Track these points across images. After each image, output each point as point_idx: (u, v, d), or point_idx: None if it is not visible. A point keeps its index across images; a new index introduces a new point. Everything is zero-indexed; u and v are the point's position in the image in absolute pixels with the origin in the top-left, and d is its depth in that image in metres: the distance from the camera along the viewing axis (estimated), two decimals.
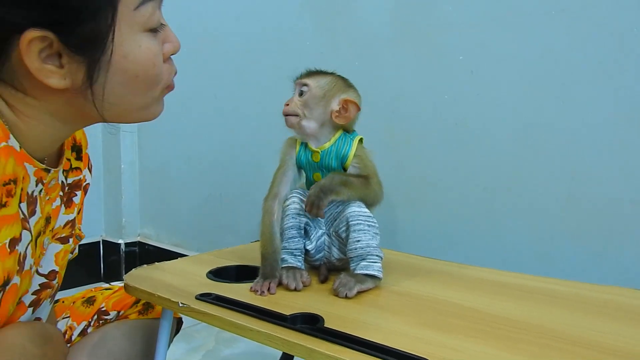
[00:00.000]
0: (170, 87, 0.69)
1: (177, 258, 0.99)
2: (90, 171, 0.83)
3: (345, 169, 0.84)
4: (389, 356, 0.57)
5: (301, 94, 0.85)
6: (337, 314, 0.70)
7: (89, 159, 0.82)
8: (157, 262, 0.94)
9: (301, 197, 0.85)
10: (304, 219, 0.85)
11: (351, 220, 0.80)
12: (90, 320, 0.87)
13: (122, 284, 0.84)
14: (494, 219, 1.08)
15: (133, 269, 0.87)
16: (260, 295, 0.76)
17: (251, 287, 0.79)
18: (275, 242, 0.83)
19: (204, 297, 0.74)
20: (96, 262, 1.90)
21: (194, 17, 1.64)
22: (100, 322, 0.88)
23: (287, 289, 0.79)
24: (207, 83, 1.62)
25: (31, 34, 0.57)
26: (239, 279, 0.86)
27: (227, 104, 1.58)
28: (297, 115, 0.84)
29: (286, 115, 0.85)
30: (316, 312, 0.69)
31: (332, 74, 0.87)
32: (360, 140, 0.86)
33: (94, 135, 1.84)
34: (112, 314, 0.88)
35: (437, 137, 1.14)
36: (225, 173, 1.60)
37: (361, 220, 0.80)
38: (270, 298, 0.76)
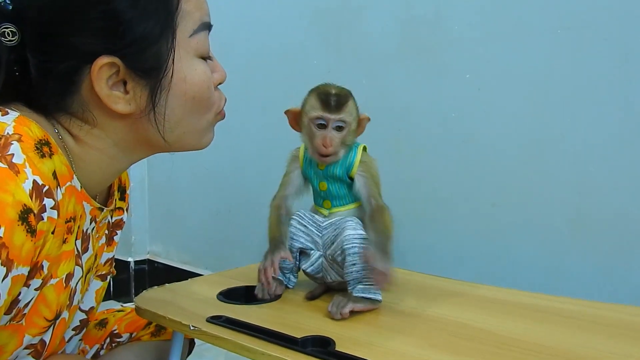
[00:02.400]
0: (222, 114, 0.73)
1: (186, 275, 1.00)
2: (127, 211, 0.85)
3: (351, 177, 0.84)
4: None
5: (339, 129, 0.82)
6: (349, 336, 0.70)
7: (128, 201, 0.84)
8: (167, 280, 0.96)
9: (300, 220, 0.86)
10: (297, 245, 0.86)
11: (345, 245, 0.79)
12: (103, 343, 0.88)
13: (134, 306, 0.84)
14: (503, 235, 1.08)
15: (144, 291, 0.88)
16: (264, 276, 0.81)
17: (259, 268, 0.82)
18: (283, 226, 0.86)
19: (215, 320, 0.74)
20: None
21: None
22: (113, 344, 0.88)
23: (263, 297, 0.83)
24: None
25: (102, 60, 0.60)
26: (248, 299, 0.86)
27: (234, 119, 1.58)
28: (336, 153, 0.82)
29: (327, 156, 0.82)
30: (327, 334, 0.69)
31: (347, 94, 0.84)
32: (364, 148, 0.87)
33: None
34: (125, 336, 0.89)
35: (445, 153, 1.15)
36: (233, 189, 1.61)
37: (355, 244, 0.79)
38: (282, 320, 0.76)
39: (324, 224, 0.85)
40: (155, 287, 0.91)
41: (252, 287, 0.91)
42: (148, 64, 0.62)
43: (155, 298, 0.85)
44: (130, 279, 1.88)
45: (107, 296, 1.94)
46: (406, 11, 1.19)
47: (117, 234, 0.81)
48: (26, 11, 0.61)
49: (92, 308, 0.77)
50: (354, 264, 0.78)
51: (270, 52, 1.47)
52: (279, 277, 0.86)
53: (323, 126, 0.82)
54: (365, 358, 0.61)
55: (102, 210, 0.70)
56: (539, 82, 1.02)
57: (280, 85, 1.46)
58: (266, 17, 1.48)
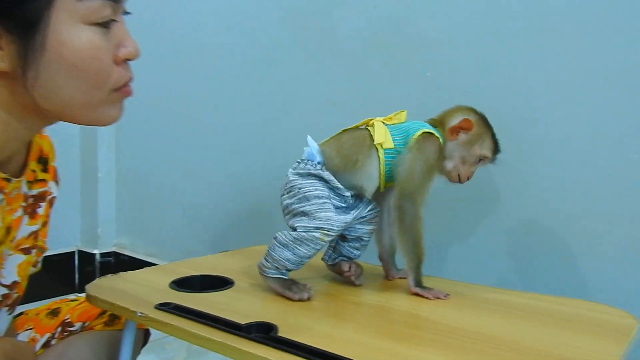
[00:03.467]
0: (124, 92, 0.67)
1: None
2: (57, 184, 0.83)
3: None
4: None
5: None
6: (293, 322, 0.71)
7: (55, 172, 0.82)
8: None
9: None
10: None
11: (365, 237, 0.89)
12: (54, 332, 0.87)
13: None
14: (460, 232, 1.10)
15: (96, 279, 0.88)
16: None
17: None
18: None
19: (163, 307, 0.75)
20: (71, 273, 1.89)
21: (173, 27, 1.65)
22: (65, 333, 0.88)
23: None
24: (185, 93, 1.63)
25: None
26: (202, 288, 0.87)
27: (205, 113, 1.59)
28: None
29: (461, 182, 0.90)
30: (274, 321, 0.70)
31: None
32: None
33: (71, 144, 1.87)
34: (77, 325, 0.88)
35: None
36: (201, 183, 1.61)
37: (369, 238, 0.90)
38: (231, 307, 0.77)
39: (352, 211, 0.86)
40: (109, 275, 0.91)
41: (207, 276, 0.92)
42: (21, 20, 0.59)
43: (107, 286, 0.85)
44: (96, 271, 1.87)
45: (72, 288, 1.94)
46: (373, 11, 1.20)
47: (40, 206, 0.78)
48: None
49: (15, 282, 0.74)
50: (360, 250, 0.91)
51: (240, 50, 1.48)
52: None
53: (478, 163, 0.88)
54: (302, 342, 0.63)
55: (9, 181, 0.68)
56: (502, 82, 1.04)
57: (251, 81, 1.47)
58: (236, 16, 1.48)
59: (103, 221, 1.86)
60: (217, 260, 1.03)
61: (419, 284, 0.83)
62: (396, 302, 0.81)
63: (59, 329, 0.88)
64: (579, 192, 0.97)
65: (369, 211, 0.87)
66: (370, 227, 0.89)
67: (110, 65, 0.64)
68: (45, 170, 0.79)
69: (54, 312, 0.89)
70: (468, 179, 0.88)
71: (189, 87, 1.62)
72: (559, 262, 1.00)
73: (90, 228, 1.87)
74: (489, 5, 1.05)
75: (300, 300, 0.80)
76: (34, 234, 0.77)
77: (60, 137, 2.00)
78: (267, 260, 0.83)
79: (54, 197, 0.82)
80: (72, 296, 1.77)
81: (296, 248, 0.81)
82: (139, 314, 0.73)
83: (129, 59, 0.66)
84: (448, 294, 0.83)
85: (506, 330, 0.71)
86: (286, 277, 0.83)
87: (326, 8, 1.28)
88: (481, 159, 0.88)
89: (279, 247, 0.82)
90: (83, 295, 0.83)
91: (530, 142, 1.02)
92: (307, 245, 0.81)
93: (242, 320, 0.70)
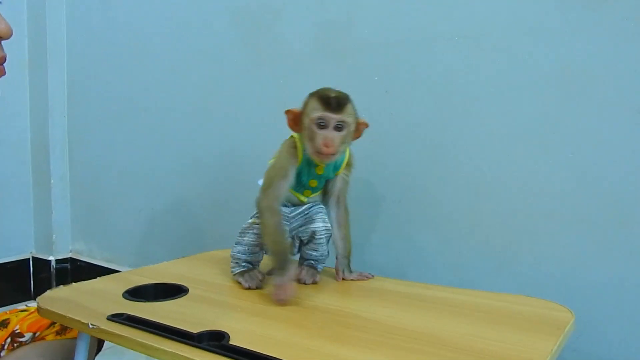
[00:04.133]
0: None
1: (109, 273, 0.99)
2: None
3: (336, 174, 0.95)
4: None
5: (339, 129, 0.86)
6: (245, 329, 0.73)
7: None
8: (90, 278, 0.95)
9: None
10: None
11: (317, 235, 0.94)
12: (3, 343, 0.86)
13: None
14: (406, 232, 1.13)
15: (48, 291, 0.87)
16: (286, 295, 0.83)
17: (274, 285, 0.84)
18: (286, 239, 0.91)
19: (115, 318, 0.75)
20: (26, 280, 1.85)
21: (123, 30, 1.63)
22: (15, 344, 0.87)
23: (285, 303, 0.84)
24: (137, 96, 1.62)
25: None
26: (157, 297, 0.88)
27: (156, 117, 1.59)
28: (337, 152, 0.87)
29: (331, 155, 0.86)
30: (226, 329, 0.72)
31: (346, 97, 0.87)
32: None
33: (23, 150, 1.83)
34: (28, 335, 0.88)
35: (354, 152, 1.19)
36: (157, 187, 1.61)
37: (323, 235, 0.94)
38: (183, 316, 0.78)
39: (292, 214, 0.95)
40: (61, 286, 0.90)
41: (161, 285, 0.92)
42: None
43: (59, 297, 0.85)
44: (52, 278, 1.83)
45: (28, 296, 1.90)
46: (320, 15, 1.23)
47: None
48: None
49: None
50: (316, 250, 0.96)
51: (191, 51, 1.48)
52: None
53: (324, 126, 0.85)
54: (252, 350, 0.64)
55: None
56: (439, 85, 1.08)
57: (202, 83, 1.47)
58: (186, 17, 1.48)
59: (58, 227, 1.83)
60: (172, 267, 1.03)
61: (271, 272, 0.91)
62: (347, 304, 0.84)
63: (9, 339, 0.87)
64: (514, 189, 1.02)
65: (309, 209, 0.95)
66: (316, 225, 0.93)
67: None
68: None
69: (3, 323, 0.88)
70: (329, 145, 0.84)
71: (140, 90, 1.61)
72: (494, 258, 1.04)
73: (44, 234, 1.84)
74: (436, 9, 1.08)
75: (249, 288, 0.90)
76: None
77: (10, 143, 1.97)
78: (231, 261, 0.96)
79: None
80: (31, 303, 1.74)
81: (242, 239, 0.95)
82: (91, 326, 0.73)
83: (1, 39, 0.63)
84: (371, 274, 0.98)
85: (441, 328, 0.75)
86: (245, 268, 0.94)
87: (275, 11, 1.30)
88: (318, 120, 0.85)
89: (235, 246, 0.96)
90: (34, 304, 0.83)
91: (470, 138, 1.06)
92: (248, 232, 0.94)
93: (195, 329, 0.71)
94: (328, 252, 0.98)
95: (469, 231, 1.07)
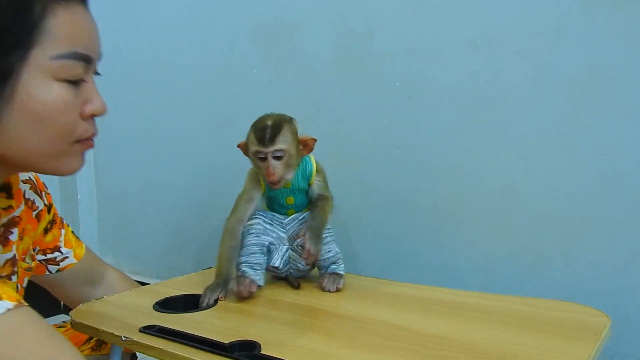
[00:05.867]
0: (86, 145, 0.70)
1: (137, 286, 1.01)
2: (40, 196, 0.87)
3: (310, 184, 0.97)
4: None
5: (278, 158, 0.91)
6: (276, 339, 0.73)
7: (23, 194, 0.84)
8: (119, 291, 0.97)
9: (264, 218, 0.97)
10: (267, 239, 0.95)
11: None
12: None
13: None
14: (435, 239, 1.13)
15: (80, 305, 0.89)
16: (206, 306, 0.86)
17: (201, 299, 0.88)
18: (232, 266, 0.93)
19: (147, 330, 0.76)
20: None
21: (145, 47, 1.66)
22: None
23: (240, 295, 0.89)
24: (161, 111, 1.64)
25: None
26: (186, 308, 0.88)
27: (180, 131, 1.60)
28: (283, 177, 0.92)
29: (277, 182, 0.91)
30: (256, 338, 0.72)
31: (280, 124, 0.92)
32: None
33: None
34: None
35: (379, 159, 1.19)
36: (182, 199, 1.62)
37: (326, 234, 0.96)
38: (213, 326, 0.78)
39: (286, 220, 0.97)
40: (94, 300, 0.91)
41: (190, 296, 0.93)
42: None
43: (91, 311, 0.86)
44: None
45: (58, 310, 1.92)
46: (340, 25, 1.23)
47: (11, 232, 0.79)
48: None
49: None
50: (329, 251, 0.96)
51: (212, 66, 1.49)
52: (252, 276, 0.91)
53: (263, 159, 0.91)
54: (284, 359, 0.64)
55: None
56: (464, 89, 1.07)
57: (224, 97, 1.48)
58: (208, 32, 1.49)
59: (85, 242, 1.84)
60: (199, 278, 1.04)
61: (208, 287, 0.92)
62: (374, 312, 0.84)
63: None
64: (545, 194, 1.00)
65: (303, 214, 0.98)
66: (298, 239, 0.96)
67: (76, 120, 0.66)
68: (10, 196, 0.80)
69: None
70: (271, 175, 0.90)
71: (163, 105, 1.63)
72: (525, 264, 1.03)
73: None
74: (458, 13, 1.08)
75: (239, 296, 0.89)
76: (10, 261, 0.78)
77: None
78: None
79: (41, 210, 0.86)
80: (61, 317, 1.76)
81: (244, 242, 0.96)
82: (124, 339, 0.74)
83: (95, 115, 0.69)
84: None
85: (474, 335, 0.74)
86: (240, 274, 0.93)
87: (294, 24, 1.30)
88: (257, 155, 0.92)
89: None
90: (68, 315, 0.85)
91: (497, 143, 1.05)
92: (248, 234, 0.95)
93: (226, 339, 0.71)
94: (339, 251, 0.98)
95: (498, 237, 1.05)
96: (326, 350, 0.69)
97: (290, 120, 0.94)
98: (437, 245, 1.12)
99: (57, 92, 0.63)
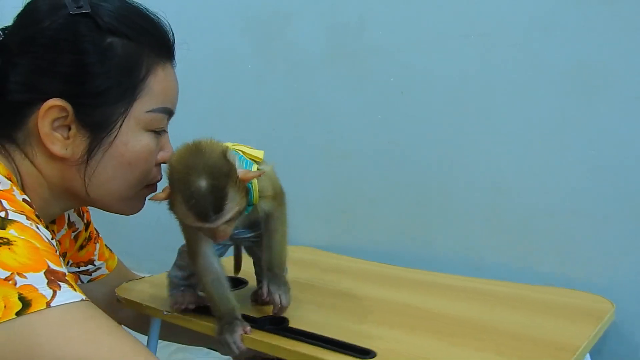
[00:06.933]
0: (152, 189, 0.78)
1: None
2: (81, 218, 0.95)
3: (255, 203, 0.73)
4: (341, 347, 0.67)
5: (226, 223, 0.67)
6: (303, 316, 0.79)
7: (67, 219, 0.91)
8: None
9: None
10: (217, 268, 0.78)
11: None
12: None
13: None
14: (427, 231, 1.15)
15: (124, 283, 0.97)
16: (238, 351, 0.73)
17: (224, 350, 0.75)
18: (228, 297, 0.76)
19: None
20: None
21: None
22: None
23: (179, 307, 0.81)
24: None
25: (54, 102, 0.66)
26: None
27: (170, 125, 1.60)
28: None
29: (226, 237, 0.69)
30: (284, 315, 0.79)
31: (219, 177, 0.65)
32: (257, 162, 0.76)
33: None
34: None
35: (371, 154, 1.20)
36: None
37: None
38: (245, 304, 0.85)
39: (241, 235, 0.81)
40: (135, 279, 1.00)
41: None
42: (96, 119, 0.68)
43: (134, 289, 0.95)
44: None
45: None
46: (332, 19, 1.22)
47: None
48: (10, 41, 0.68)
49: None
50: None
51: (204, 59, 1.47)
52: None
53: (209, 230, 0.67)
54: (310, 331, 0.71)
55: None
56: (456, 83, 1.08)
57: (214, 91, 1.48)
58: (198, 25, 1.49)
59: None
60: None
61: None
62: (388, 294, 0.90)
63: None
64: (534, 188, 1.01)
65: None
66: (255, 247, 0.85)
67: (153, 165, 0.75)
68: (52, 222, 0.88)
69: None
70: (221, 239, 0.68)
71: None
72: (516, 258, 1.05)
73: None
74: (450, 7, 1.08)
75: (182, 308, 0.82)
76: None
77: None
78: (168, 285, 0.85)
79: (80, 231, 0.94)
80: None
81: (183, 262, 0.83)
82: (165, 313, 0.82)
83: (164, 162, 0.76)
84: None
85: (481, 316, 0.79)
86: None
87: (286, 16, 1.30)
88: (198, 230, 0.70)
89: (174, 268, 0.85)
90: None
91: (488, 137, 1.06)
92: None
93: (257, 316, 0.79)
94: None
95: (489, 231, 1.07)
96: (346, 326, 0.76)
97: (228, 170, 0.66)
98: (429, 239, 1.14)
99: (146, 142, 0.72)
